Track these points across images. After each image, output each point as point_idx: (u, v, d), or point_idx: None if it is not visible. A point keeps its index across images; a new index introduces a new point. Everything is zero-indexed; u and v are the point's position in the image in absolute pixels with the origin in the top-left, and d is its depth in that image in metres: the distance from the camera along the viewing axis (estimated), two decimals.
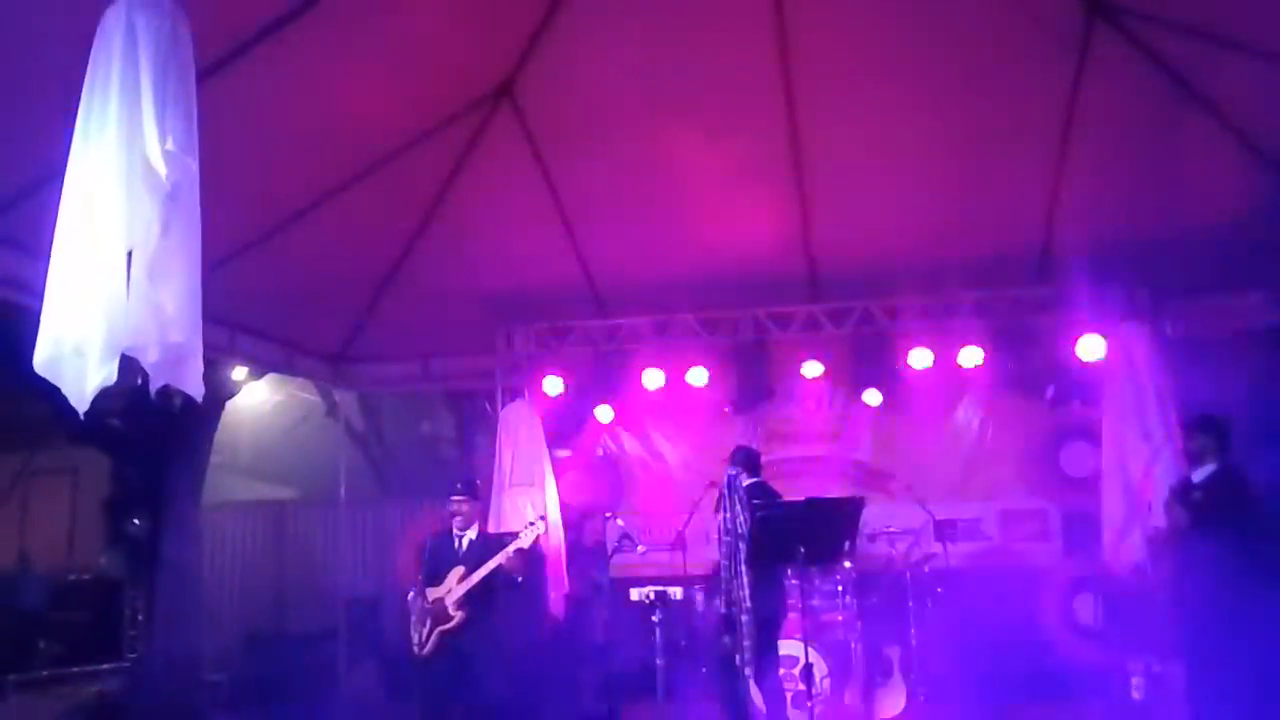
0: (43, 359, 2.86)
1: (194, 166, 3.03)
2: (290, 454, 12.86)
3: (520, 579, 6.15)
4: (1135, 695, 6.44)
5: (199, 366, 3.04)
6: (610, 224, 7.77)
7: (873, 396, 8.55)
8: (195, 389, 3.01)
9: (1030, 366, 8.17)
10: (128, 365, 2.94)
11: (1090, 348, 7.51)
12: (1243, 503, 5.51)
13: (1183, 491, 5.76)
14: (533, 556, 6.56)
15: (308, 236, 6.85)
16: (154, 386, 2.93)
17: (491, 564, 6.06)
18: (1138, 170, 6.84)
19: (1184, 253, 7.06)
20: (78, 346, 2.84)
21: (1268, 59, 5.63)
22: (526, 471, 8.12)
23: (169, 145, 2.93)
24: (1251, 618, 5.32)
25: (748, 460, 6.52)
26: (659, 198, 7.36)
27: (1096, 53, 6.17)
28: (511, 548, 6.12)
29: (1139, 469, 6.80)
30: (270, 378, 10.24)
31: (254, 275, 6.68)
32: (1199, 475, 5.72)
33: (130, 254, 2.89)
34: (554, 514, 8.04)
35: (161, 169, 2.91)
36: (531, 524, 6.37)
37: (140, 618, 8.90)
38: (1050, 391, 8.34)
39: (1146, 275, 7.19)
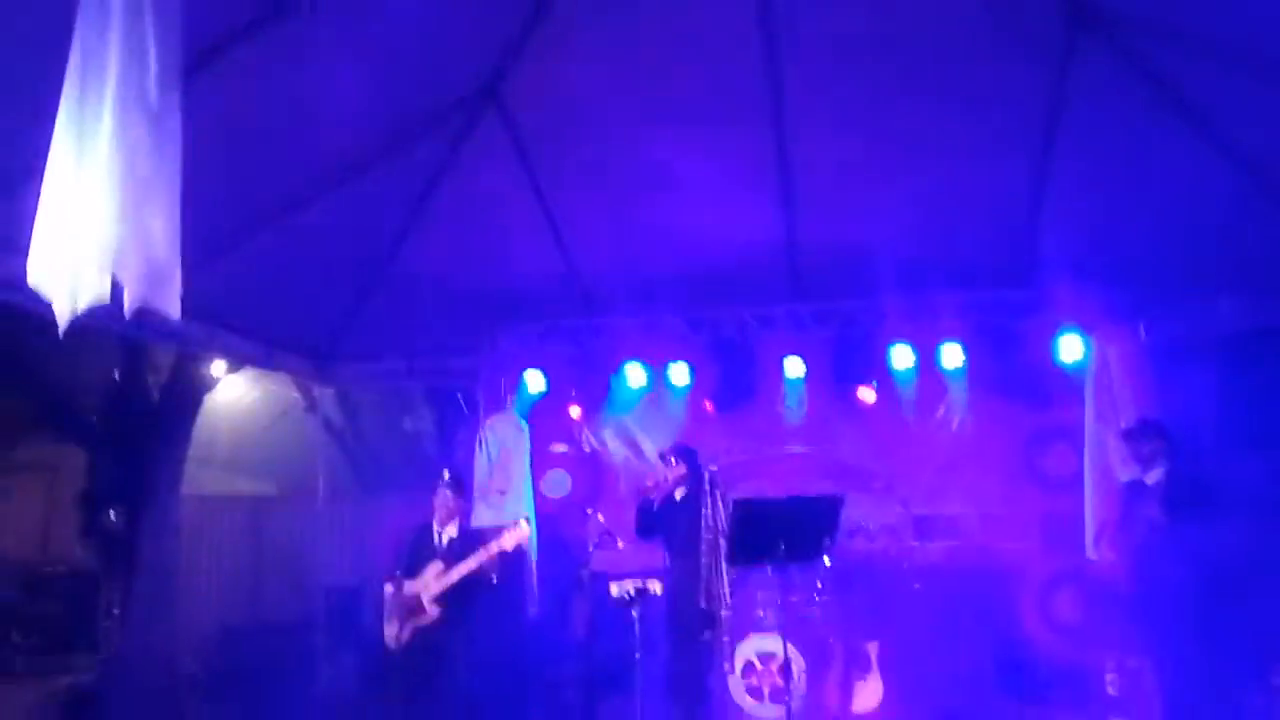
0: (36, 276, 2.88)
1: (178, 94, 3.09)
2: (268, 449, 12.80)
3: (494, 580, 6.14)
4: (1110, 691, 6.52)
5: (178, 287, 3.07)
6: (595, 223, 7.77)
7: (856, 396, 8.61)
8: (173, 308, 3.04)
9: (1011, 367, 8.25)
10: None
11: (1070, 349, 7.61)
12: (1201, 500, 5.62)
13: (1140, 493, 5.88)
14: (511, 556, 6.57)
15: (291, 232, 6.82)
16: (132, 306, 2.94)
17: (471, 563, 6.04)
18: (1119, 174, 6.92)
19: (1163, 257, 7.15)
20: (70, 264, 2.87)
21: (1247, 67, 5.71)
22: (505, 477, 8.14)
23: (156, 69, 3.00)
24: (1216, 612, 5.43)
25: None
26: (645, 197, 7.37)
27: (1079, 59, 6.22)
28: (493, 546, 6.09)
29: (1114, 467, 6.90)
30: (248, 372, 10.19)
31: (236, 271, 6.65)
32: (1151, 478, 5.83)
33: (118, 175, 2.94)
34: (531, 516, 8.00)
35: (152, 91, 2.98)
36: (514, 525, 6.35)
37: (116, 611, 8.84)
38: (1027, 389, 8.42)
39: (1126, 279, 7.26)
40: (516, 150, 7.08)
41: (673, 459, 6.88)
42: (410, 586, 6.14)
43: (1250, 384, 6.78)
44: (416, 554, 6.31)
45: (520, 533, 6.21)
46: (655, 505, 6.78)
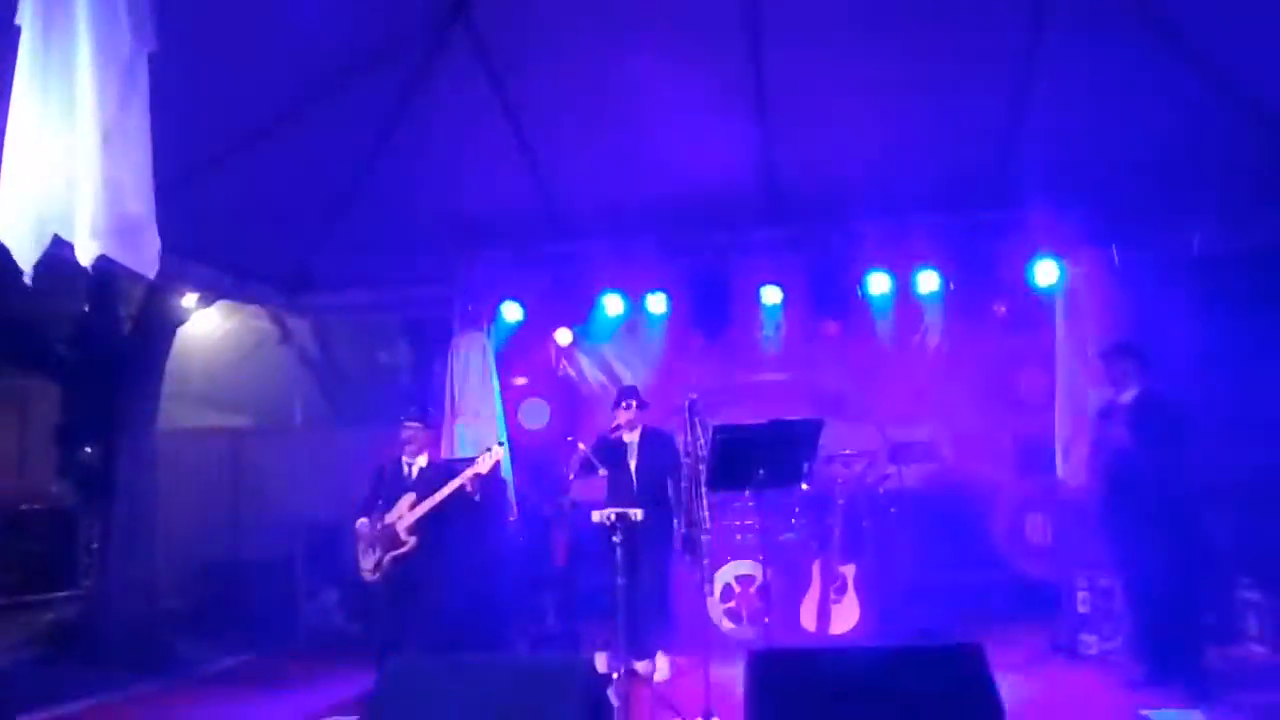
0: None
1: (150, 44, 3.00)
2: (244, 382, 12.70)
3: (478, 497, 6.23)
4: (1082, 609, 6.66)
5: (154, 242, 2.99)
6: (569, 146, 7.66)
7: (832, 321, 8.62)
8: (148, 266, 2.98)
9: (987, 291, 8.27)
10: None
11: (1045, 272, 7.63)
12: (1170, 421, 5.69)
13: (1112, 414, 5.95)
14: (490, 479, 6.62)
15: (259, 160, 6.68)
16: (89, 257, 2.87)
17: (448, 489, 6.13)
18: (1097, 97, 6.86)
19: (1138, 181, 7.14)
20: (38, 212, 2.79)
21: None
22: (475, 402, 8.13)
23: (127, 9, 2.91)
24: (1181, 530, 5.54)
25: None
26: (619, 120, 7.25)
27: None
28: (469, 473, 6.19)
29: (1085, 390, 6.98)
30: (222, 305, 10.05)
31: (204, 200, 6.50)
32: (1125, 398, 5.90)
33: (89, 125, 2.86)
34: (503, 441, 8.08)
35: (125, 41, 2.88)
36: (489, 449, 6.43)
37: (95, 546, 8.83)
38: (1002, 310, 8.45)
39: (1101, 202, 7.25)
40: (487, 72, 6.93)
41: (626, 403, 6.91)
42: (385, 519, 6.21)
43: (1221, 307, 6.82)
44: (388, 488, 6.39)
45: (495, 455, 6.33)
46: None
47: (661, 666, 6.58)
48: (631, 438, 6.87)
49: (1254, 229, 7.27)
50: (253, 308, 10.18)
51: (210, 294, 8.57)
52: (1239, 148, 6.86)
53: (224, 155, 6.52)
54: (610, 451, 6.75)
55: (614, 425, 6.87)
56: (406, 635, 6.09)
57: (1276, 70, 6.16)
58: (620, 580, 5.60)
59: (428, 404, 8.11)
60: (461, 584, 6.51)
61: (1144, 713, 5.26)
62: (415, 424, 6.53)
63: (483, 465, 6.31)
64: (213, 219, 6.97)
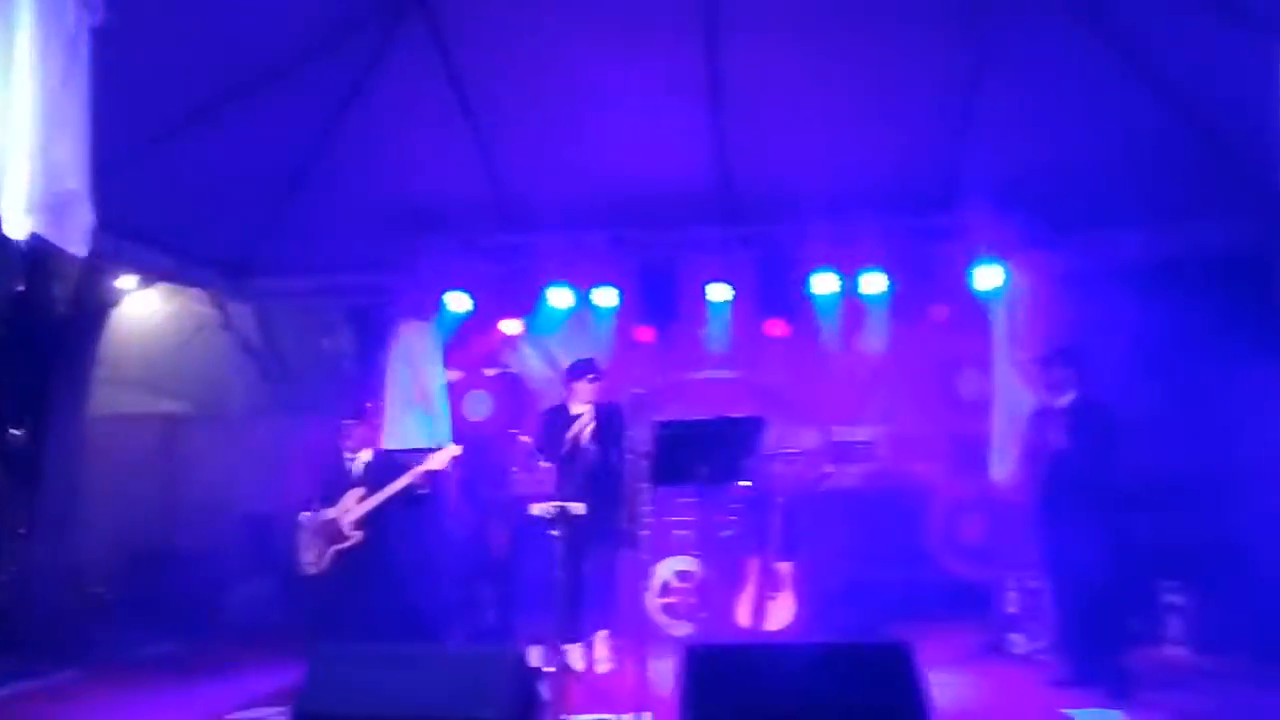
0: None
1: (96, 15, 2.93)
2: (182, 367, 12.40)
3: (426, 491, 6.19)
4: (1010, 609, 6.79)
5: (88, 219, 2.93)
6: (521, 137, 7.64)
7: (778, 320, 8.68)
8: (80, 243, 2.92)
9: (929, 293, 8.39)
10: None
11: (987, 276, 7.76)
12: (1104, 426, 5.83)
13: (1048, 417, 6.07)
14: (435, 473, 6.58)
15: (204, 141, 6.59)
16: (21, 232, 2.81)
17: (397, 485, 6.09)
18: (1043, 104, 7.00)
19: (1081, 187, 7.29)
20: None
21: None
22: (419, 392, 8.08)
23: None
24: (1110, 533, 5.67)
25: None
26: (573, 112, 7.25)
27: None
28: (421, 469, 6.16)
29: (1021, 394, 7.11)
30: (162, 288, 9.85)
31: (146, 180, 6.39)
32: (1061, 403, 6.03)
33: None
34: (447, 433, 8.08)
35: (70, 13, 2.82)
36: (443, 447, 6.40)
37: (21, 531, 8.60)
38: (943, 315, 8.57)
39: (1045, 208, 7.39)
40: (442, 60, 6.89)
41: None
42: (328, 513, 6.15)
43: (1157, 312, 6.99)
44: (330, 482, 6.31)
45: (449, 452, 6.30)
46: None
47: (601, 652, 6.57)
48: (585, 414, 6.78)
49: (1190, 236, 7.47)
50: (193, 291, 9.98)
51: (149, 276, 8.40)
52: (1178, 156, 7.04)
53: (168, 135, 6.41)
54: (561, 428, 6.70)
55: (569, 399, 6.80)
56: (343, 628, 6.03)
57: (1216, 81, 6.32)
58: (558, 574, 5.61)
59: (368, 395, 8.03)
60: (402, 578, 6.46)
61: (1066, 712, 5.37)
62: (351, 421, 6.48)
63: (435, 463, 6.29)
64: (154, 200, 6.84)
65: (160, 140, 6.37)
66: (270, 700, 5.78)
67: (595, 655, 6.56)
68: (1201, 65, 6.39)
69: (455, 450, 6.42)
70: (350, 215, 8.00)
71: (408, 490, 6.17)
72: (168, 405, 12.26)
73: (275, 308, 10.57)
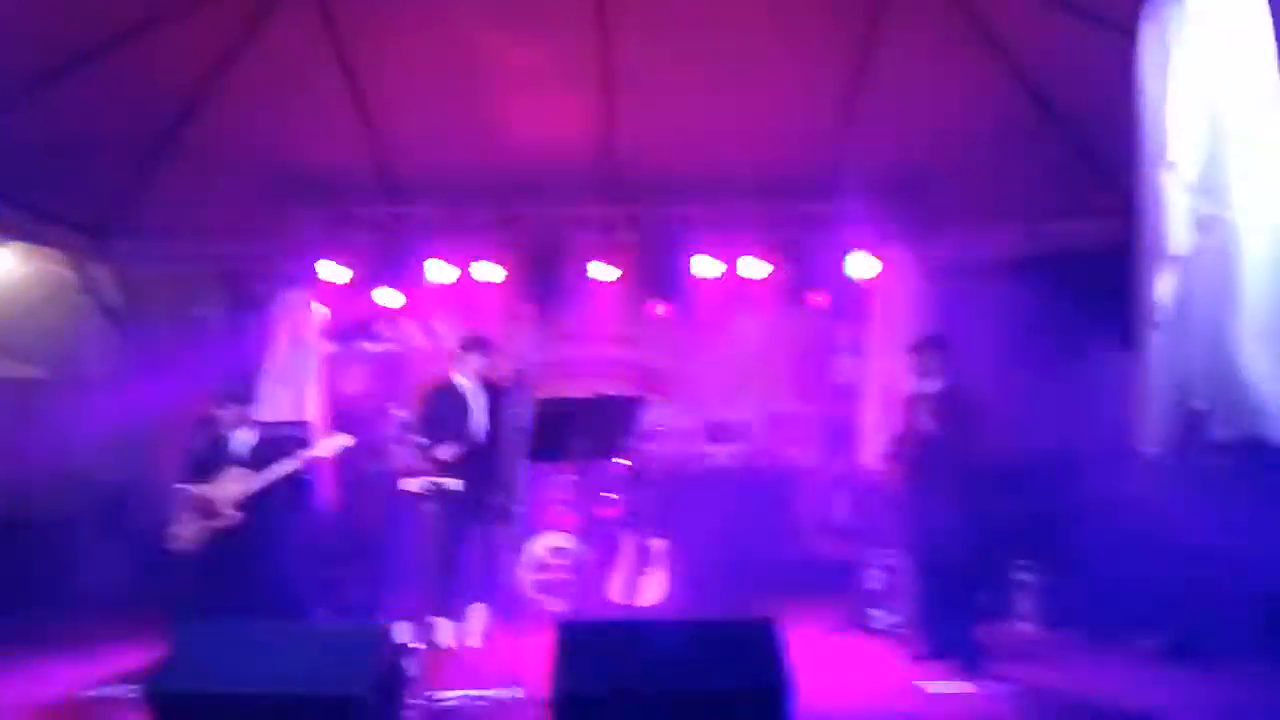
0: None
1: None
2: (38, 330, 11.77)
3: (308, 476, 6.06)
4: (872, 586, 7.04)
5: None
6: (406, 108, 7.49)
7: (662, 301, 8.77)
8: None
9: (808, 280, 8.59)
10: None
11: (861, 265, 7.99)
12: (969, 411, 6.08)
13: (918, 402, 6.30)
14: (294, 450, 6.45)
15: (68, 96, 6.27)
16: None
17: (282, 470, 5.95)
18: (922, 100, 7.21)
19: (956, 183, 7.57)
20: None
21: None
22: (296, 365, 7.89)
23: None
24: (969, 514, 5.93)
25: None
26: (460, 85, 7.15)
27: None
28: (307, 454, 6.04)
29: (892, 380, 7.36)
30: (18, 246, 9.32)
31: (3, 136, 6.05)
32: (930, 388, 6.26)
33: None
34: (318, 409, 7.98)
35: None
36: (335, 436, 6.27)
37: None
38: (821, 302, 8.78)
39: (919, 201, 7.63)
40: (325, 23, 6.68)
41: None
42: (205, 490, 5.97)
43: (1022, 306, 7.31)
44: (209, 459, 6.14)
45: (339, 442, 6.17)
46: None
47: (474, 627, 6.55)
48: (473, 389, 6.72)
49: (1055, 232, 7.85)
50: (52, 251, 9.48)
51: (4, 235, 7.95)
52: (1049, 160, 7.37)
53: (29, 88, 6.07)
54: (449, 408, 6.64)
55: (453, 372, 6.73)
56: (208, 606, 5.87)
57: (1090, 92, 6.62)
58: (431, 550, 5.57)
59: (240, 366, 7.80)
60: (274, 557, 6.30)
61: (922, 685, 5.62)
62: (228, 401, 6.28)
63: (323, 451, 6.17)
64: (12, 156, 6.48)
65: (20, 95, 6.03)
66: (125, 678, 5.58)
67: (468, 630, 6.55)
68: (1069, 69, 6.70)
69: (346, 441, 6.29)
70: (223, 179, 7.70)
71: (289, 475, 6.03)
72: (22, 370, 11.64)
73: (140, 271, 10.14)
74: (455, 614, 6.46)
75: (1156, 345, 3.68)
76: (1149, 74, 3.61)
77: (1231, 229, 3.43)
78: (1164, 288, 3.57)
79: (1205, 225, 3.45)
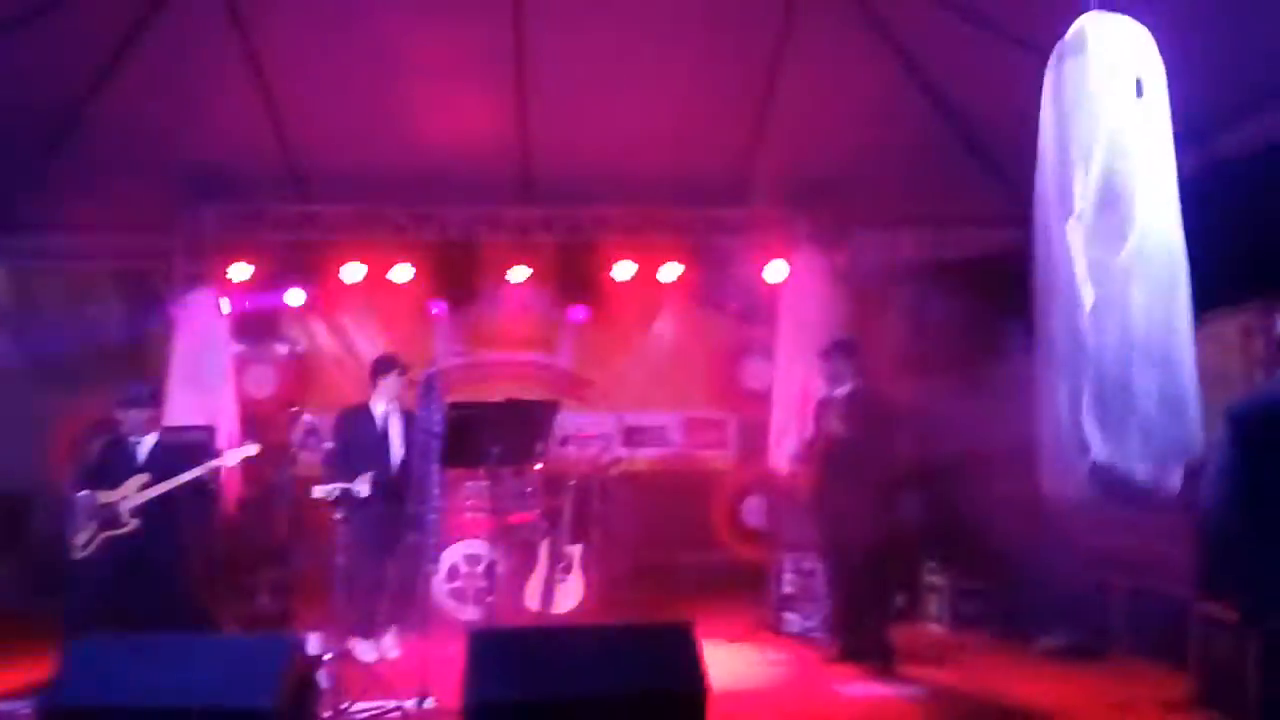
0: None
1: None
2: None
3: (213, 488, 5.85)
4: (787, 589, 7.09)
5: None
6: (316, 103, 7.31)
7: (578, 305, 8.73)
8: None
9: (722, 284, 8.64)
10: None
11: (774, 270, 8.07)
12: (878, 414, 6.17)
13: (827, 406, 6.38)
14: (198, 455, 6.23)
15: None
16: None
17: (185, 478, 5.73)
18: (833, 107, 7.31)
19: (866, 189, 7.68)
20: None
21: (953, 10, 6.17)
22: (205, 368, 7.63)
23: None
24: (879, 517, 6.02)
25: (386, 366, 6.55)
26: (374, 82, 7.00)
27: None
28: (214, 464, 5.87)
29: (802, 384, 7.45)
30: None
31: None
32: (839, 392, 6.35)
33: None
34: (230, 412, 7.76)
35: None
36: (243, 447, 6.08)
37: None
38: (735, 306, 8.84)
39: (830, 207, 7.73)
40: (229, 8, 6.47)
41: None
42: (106, 496, 5.73)
43: (930, 310, 7.46)
44: (111, 466, 5.90)
45: (244, 452, 6.01)
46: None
47: (388, 639, 6.41)
48: (390, 414, 6.56)
49: (961, 240, 8.07)
50: None
51: None
52: (955, 170, 7.54)
53: None
54: (364, 432, 6.46)
55: (371, 398, 6.57)
56: (107, 617, 5.63)
57: (994, 107, 6.79)
58: (340, 558, 5.43)
59: (144, 381, 7.52)
60: (176, 567, 6.08)
61: (835, 687, 5.67)
62: (137, 409, 6.02)
63: (228, 460, 5.97)
64: None
65: None
66: (18, 694, 5.30)
67: (387, 644, 6.39)
68: (983, 97, 6.86)
69: (251, 451, 6.07)
70: (122, 173, 7.40)
71: (194, 482, 5.81)
72: None
73: (33, 267, 9.71)
74: (373, 627, 6.30)
75: (1057, 394, 3.77)
76: (1051, 121, 3.71)
77: (1124, 276, 3.53)
78: (1065, 337, 3.65)
79: (1101, 273, 3.54)
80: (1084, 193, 3.54)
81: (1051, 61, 3.73)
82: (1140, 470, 3.51)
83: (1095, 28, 3.61)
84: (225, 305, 7.97)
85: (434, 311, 8.61)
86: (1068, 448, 3.74)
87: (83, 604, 5.80)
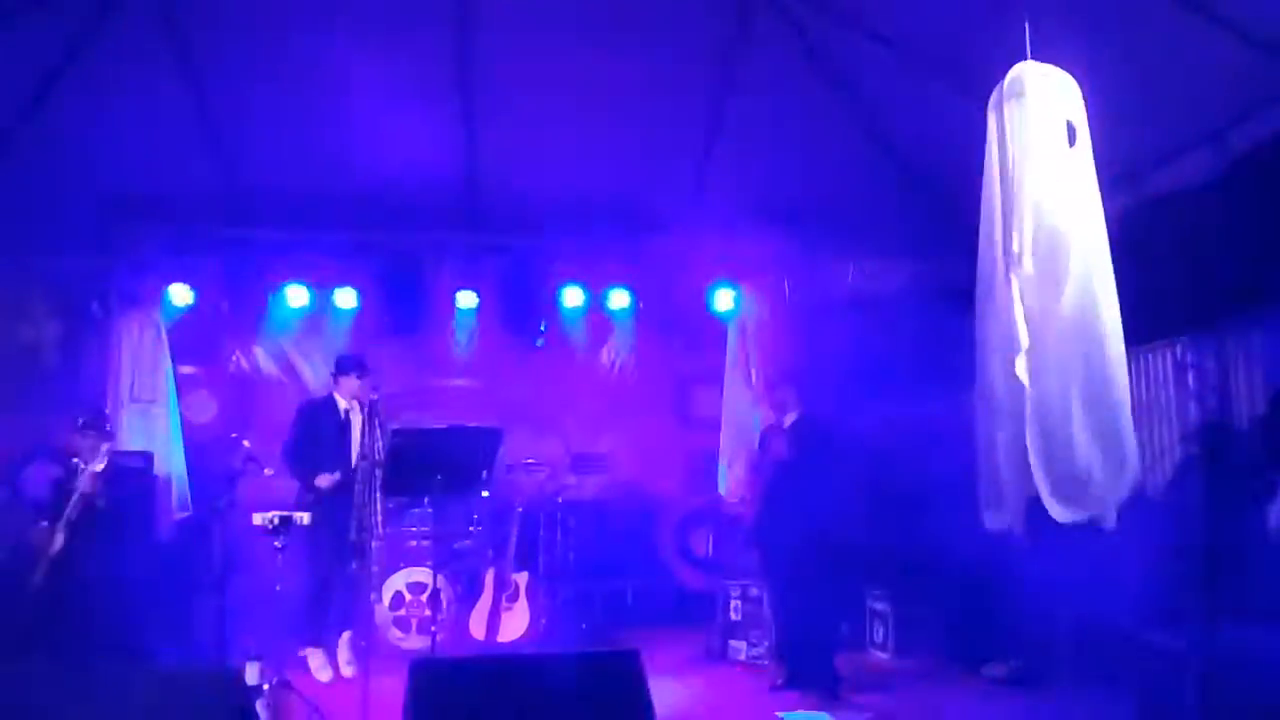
0: None
1: None
2: None
3: (102, 504, 5.69)
4: (734, 617, 7.09)
5: None
6: (259, 128, 7.24)
7: (525, 332, 8.70)
8: None
9: (671, 311, 8.68)
10: None
11: (722, 298, 8.13)
12: (823, 442, 6.22)
13: (773, 434, 6.42)
14: (123, 479, 6.09)
15: None
16: None
17: (77, 493, 5.62)
18: (781, 138, 7.41)
19: (808, 220, 7.77)
20: None
21: (889, 45, 6.30)
22: (148, 387, 7.48)
23: None
24: (823, 544, 6.05)
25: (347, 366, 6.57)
26: (317, 106, 6.95)
27: (753, 23, 6.60)
28: (87, 471, 5.74)
29: (750, 412, 7.49)
30: None
31: None
32: (786, 421, 6.40)
33: None
34: (175, 434, 7.61)
35: None
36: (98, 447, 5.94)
37: None
38: (682, 335, 8.87)
39: (776, 236, 7.81)
40: (167, 29, 6.39)
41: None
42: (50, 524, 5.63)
43: (876, 340, 7.55)
44: (59, 495, 5.85)
45: (104, 452, 5.87)
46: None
47: (346, 658, 6.35)
48: (350, 409, 6.52)
49: (908, 271, 8.19)
50: None
51: None
52: (893, 202, 7.67)
53: None
54: (326, 423, 6.38)
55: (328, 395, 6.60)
56: (40, 647, 5.48)
57: (929, 141, 6.93)
58: (278, 587, 5.33)
59: (78, 392, 7.35)
60: (106, 590, 5.93)
61: (780, 714, 5.66)
62: (87, 430, 5.89)
63: (97, 463, 5.81)
64: None
65: None
66: None
67: (338, 656, 6.32)
68: (920, 131, 7.00)
69: (103, 451, 5.93)
70: (57, 194, 7.25)
71: (89, 501, 5.68)
72: None
73: None
74: (324, 633, 6.36)
75: (997, 436, 3.85)
76: (994, 166, 3.80)
77: (1064, 323, 3.62)
78: (1005, 382, 3.73)
79: (1042, 319, 3.64)
80: (1021, 242, 3.64)
81: (991, 103, 3.83)
82: (1077, 509, 3.60)
83: (1032, 75, 3.72)
84: (163, 328, 7.82)
85: (379, 336, 8.50)
86: (1007, 486, 3.83)
87: (17, 629, 5.66)
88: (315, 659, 6.39)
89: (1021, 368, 3.62)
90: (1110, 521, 3.58)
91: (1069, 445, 3.59)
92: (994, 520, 3.97)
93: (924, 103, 6.60)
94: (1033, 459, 3.62)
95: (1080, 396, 3.60)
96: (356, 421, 6.47)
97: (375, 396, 6.19)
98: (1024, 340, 3.62)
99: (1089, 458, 3.58)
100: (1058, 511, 3.61)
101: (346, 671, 6.41)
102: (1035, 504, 3.69)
